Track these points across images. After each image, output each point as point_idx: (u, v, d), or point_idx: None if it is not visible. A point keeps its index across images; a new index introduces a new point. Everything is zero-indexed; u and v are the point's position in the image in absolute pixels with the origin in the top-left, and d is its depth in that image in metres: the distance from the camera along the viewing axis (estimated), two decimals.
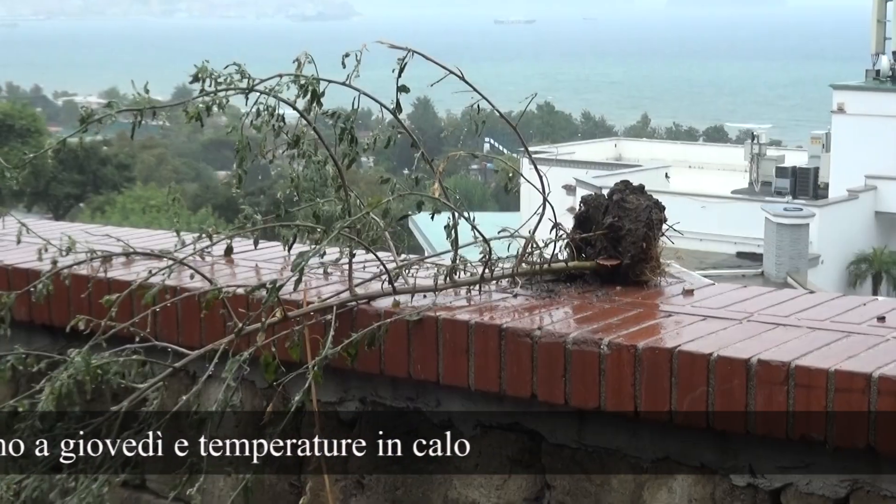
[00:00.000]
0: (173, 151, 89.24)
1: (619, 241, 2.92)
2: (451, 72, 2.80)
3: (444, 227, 2.86)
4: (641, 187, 2.98)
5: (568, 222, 3.05)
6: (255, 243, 3.42)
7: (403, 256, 3.06)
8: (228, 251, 3.48)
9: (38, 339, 3.44)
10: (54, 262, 3.26)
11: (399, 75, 2.73)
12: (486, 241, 2.84)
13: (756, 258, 40.60)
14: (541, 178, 2.98)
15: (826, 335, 2.49)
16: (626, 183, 2.99)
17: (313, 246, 2.87)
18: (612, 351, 2.46)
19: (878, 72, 47.16)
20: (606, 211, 2.94)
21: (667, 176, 50.58)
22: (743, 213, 43.22)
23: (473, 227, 2.83)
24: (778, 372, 2.25)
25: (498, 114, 2.96)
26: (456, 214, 2.86)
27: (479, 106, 2.85)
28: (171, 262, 2.97)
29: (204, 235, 3.31)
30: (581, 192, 47.64)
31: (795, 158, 51.26)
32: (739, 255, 42.12)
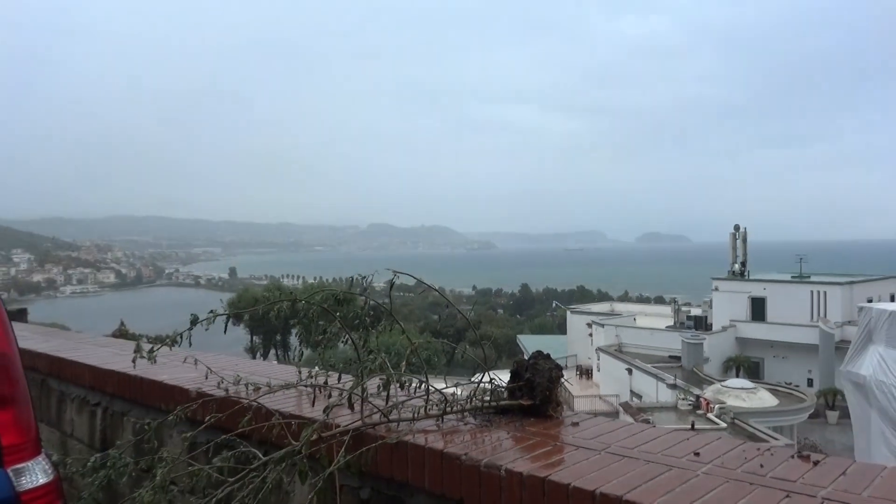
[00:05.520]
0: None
1: (533, 389, 2.15)
2: (429, 286, 2.15)
3: (413, 385, 2.13)
4: (548, 355, 2.22)
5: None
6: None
7: (400, 394, 2.31)
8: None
9: (202, 433, 2.76)
10: (226, 390, 2.64)
11: (391, 288, 2.07)
12: (440, 391, 2.10)
13: (678, 359, 39.15)
14: (484, 351, 2.25)
15: (655, 468, 1.66)
16: (539, 352, 2.23)
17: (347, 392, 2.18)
18: (507, 475, 1.69)
19: (733, 272, 47.87)
20: (527, 370, 2.19)
21: (635, 319, 49.35)
22: (672, 337, 42.51)
23: (429, 384, 2.08)
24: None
25: (447, 301, 2.23)
26: (426, 376, 2.13)
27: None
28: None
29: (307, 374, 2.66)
30: (595, 328, 46.80)
31: (696, 311, 50.22)
32: (670, 357, 40.69)
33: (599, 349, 43.91)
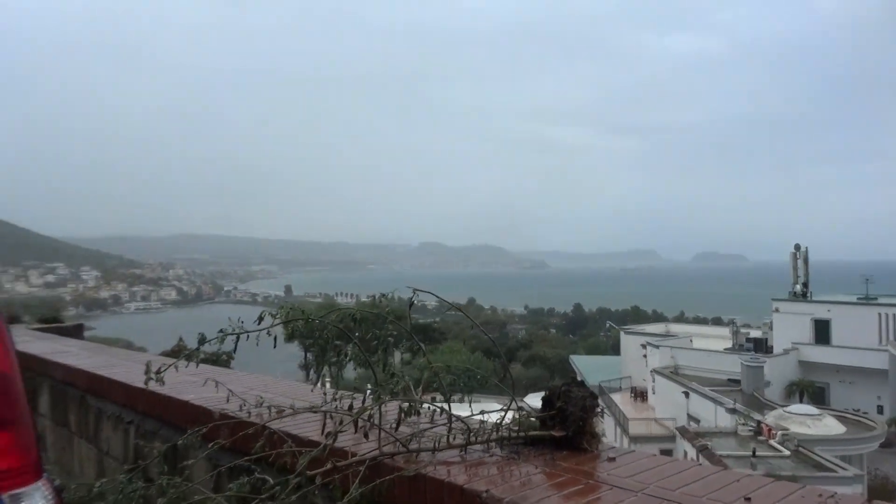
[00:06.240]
0: None
1: (566, 418, 1.97)
2: (451, 304, 1.99)
3: (434, 412, 1.97)
4: (582, 382, 2.03)
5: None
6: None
7: (423, 420, 2.15)
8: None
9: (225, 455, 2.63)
10: (248, 413, 2.53)
11: (410, 307, 1.93)
12: (462, 420, 1.93)
13: (737, 382, 37.65)
14: (509, 376, 2.08)
15: None
16: (573, 379, 2.05)
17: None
18: None
19: (794, 293, 45.52)
20: (559, 398, 2.01)
21: (691, 340, 47.72)
22: (731, 360, 40.88)
23: (450, 413, 1.92)
24: None
25: (473, 323, 2.07)
26: (449, 404, 1.96)
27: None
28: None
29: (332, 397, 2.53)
30: (650, 349, 45.38)
31: (756, 333, 48.17)
32: (729, 380, 39.12)
33: (654, 371, 42.64)
